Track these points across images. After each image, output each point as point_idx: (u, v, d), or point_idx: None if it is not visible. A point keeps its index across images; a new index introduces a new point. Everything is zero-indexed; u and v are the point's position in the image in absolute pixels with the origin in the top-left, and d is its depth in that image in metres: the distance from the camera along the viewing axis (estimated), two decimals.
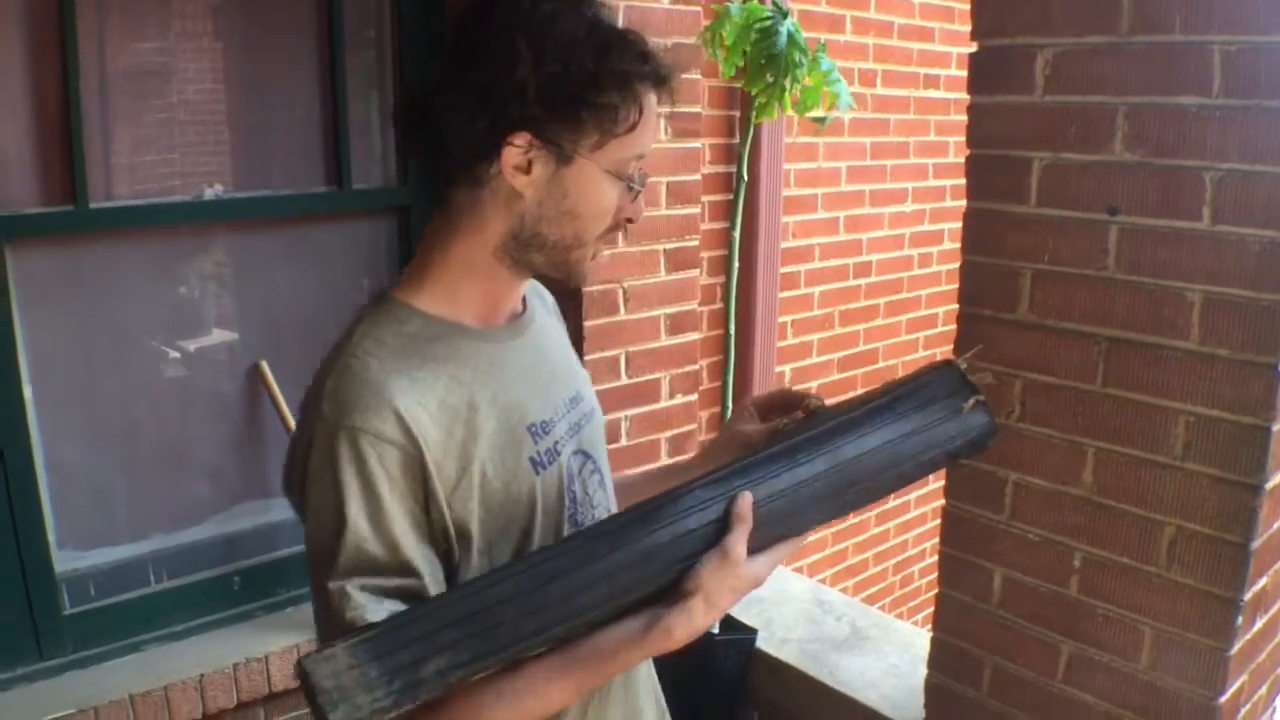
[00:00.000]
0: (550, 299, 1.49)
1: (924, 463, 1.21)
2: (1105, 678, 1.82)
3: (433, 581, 1.12)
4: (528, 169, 1.16)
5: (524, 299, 1.34)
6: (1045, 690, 1.90)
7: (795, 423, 1.28)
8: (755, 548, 1.10)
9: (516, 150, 1.15)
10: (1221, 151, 1.59)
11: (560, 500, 1.26)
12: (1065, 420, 1.80)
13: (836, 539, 4.23)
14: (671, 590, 1.09)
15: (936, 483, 4.54)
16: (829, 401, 1.30)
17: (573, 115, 1.15)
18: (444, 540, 1.15)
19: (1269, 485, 1.60)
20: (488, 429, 1.18)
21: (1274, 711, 1.93)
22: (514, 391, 1.24)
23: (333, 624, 1.08)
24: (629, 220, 1.24)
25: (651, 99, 1.20)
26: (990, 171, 1.87)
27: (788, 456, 1.15)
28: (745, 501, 1.10)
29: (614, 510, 1.39)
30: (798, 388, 1.23)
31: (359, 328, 1.19)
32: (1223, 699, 1.68)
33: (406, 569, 1.10)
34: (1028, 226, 1.81)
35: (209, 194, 2.49)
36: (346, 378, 1.13)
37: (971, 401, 1.21)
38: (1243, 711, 1.77)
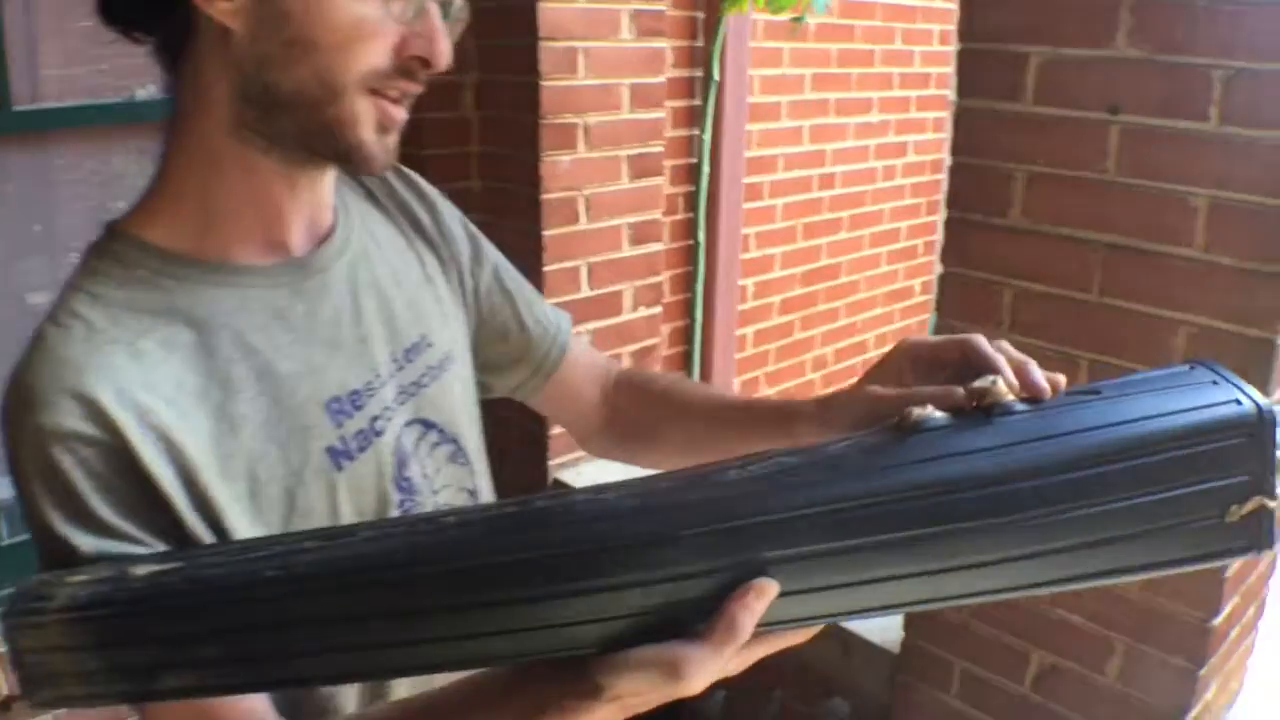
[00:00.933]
0: (416, 197, 1.12)
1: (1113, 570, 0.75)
2: (1096, 603, 1.76)
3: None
4: None
5: (336, 212, 0.99)
6: (1030, 611, 1.85)
7: (950, 407, 0.76)
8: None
9: None
10: (1231, 48, 1.49)
11: (383, 498, 0.96)
12: (1058, 331, 1.72)
13: None
14: (571, 666, 0.71)
15: None
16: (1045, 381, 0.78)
17: None
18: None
19: (1274, 399, 1.53)
20: (254, 417, 0.87)
21: (1257, 633, 1.89)
22: (301, 355, 0.91)
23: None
24: (423, 63, 0.87)
25: None
26: (983, 67, 1.76)
27: (916, 501, 0.70)
28: (752, 607, 0.68)
29: (481, 493, 1.10)
30: (985, 348, 0.83)
31: (74, 278, 0.86)
32: (1216, 620, 1.63)
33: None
34: (1022, 126, 1.70)
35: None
36: (39, 355, 0.80)
37: (1250, 506, 0.72)
38: (1233, 633, 1.72)
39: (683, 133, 3.22)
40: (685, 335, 3.15)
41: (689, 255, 3.12)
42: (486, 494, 1.13)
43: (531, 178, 2.58)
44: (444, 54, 0.87)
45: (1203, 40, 1.52)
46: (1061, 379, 0.78)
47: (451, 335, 1.09)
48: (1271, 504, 0.72)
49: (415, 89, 0.89)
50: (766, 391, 3.93)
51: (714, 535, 0.68)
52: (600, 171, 2.68)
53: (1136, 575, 0.74)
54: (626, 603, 0.68)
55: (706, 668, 0.68)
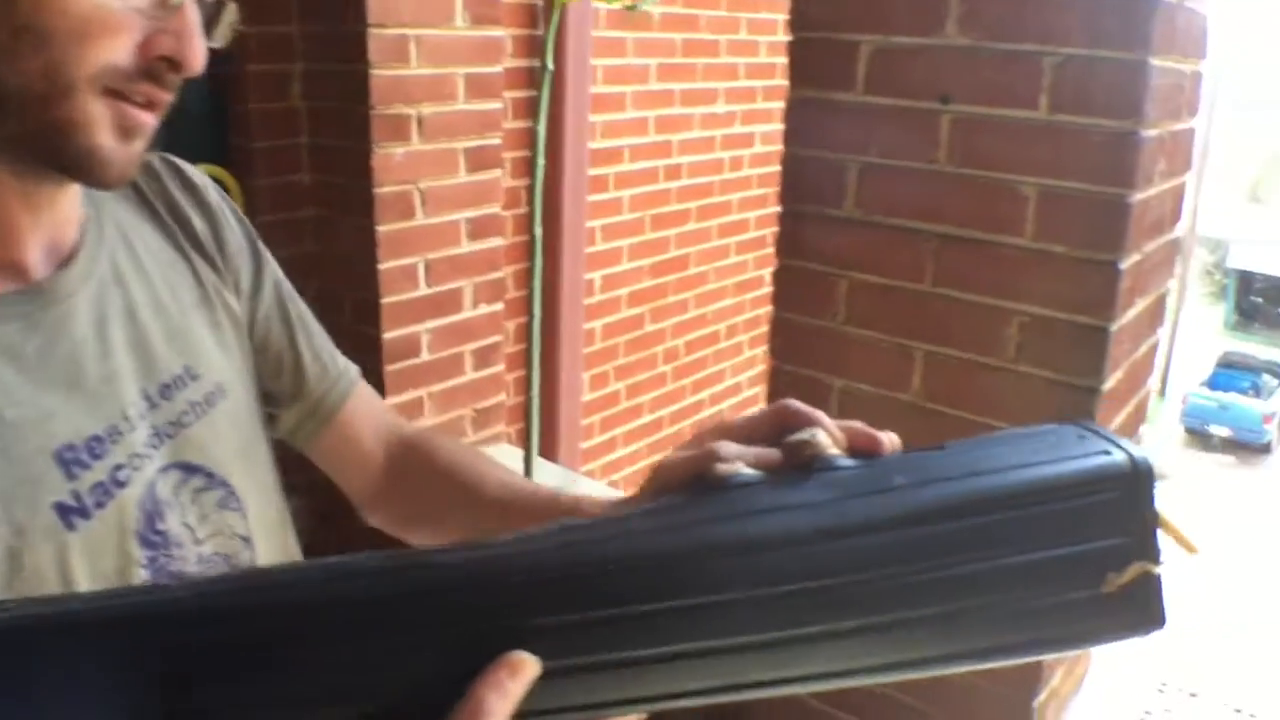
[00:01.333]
0: (195, 204, 0.99)
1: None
2: (916, 681, 1.75)
3: None
4: None
5: (85, 227, 0.88)
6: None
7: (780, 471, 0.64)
8: None
9: None
10: (1063, 35, 1.48)
11: (125, 556, 0.83)
12: (893, 322, 1.69)
13: (651, 451, 4.14)
14: None
15: (751, 389, 4.54)
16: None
17: None
18: None
19: (1106, 387, 1.53)
20: None
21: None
22: (31, 399, 0.79)
23: None
24: (171, 65, 0.77)
25: None
26: (814, 56, 1.72)
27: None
28: (504, 687, 0.53)
29: (257, 539, 0.97)
30: (803, 409, 0.68)
31: None
32: (1038, 699, 1.63)
33: None
34: (854, 116, 1.67)
35: None
36: None
37: (1131, 573, 0.59)
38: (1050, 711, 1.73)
39: (524, 124, 3.14)
40: (527, 331, 3.07)
41: (532, 250, 3.05)
42: (269, 538, 1.00)
43: (363, 171, 2.48)
44: (196, 56, 0.78)
45: (1032, 27, 1.51)
46: (896, 438, 0.66)
47: (228, 364, 0.97)
48: (1156, 569, 0.59)
49: (163, 96, 0.78)
50: (617, 386, 3.88)
51: (458, 602, 0.55)
52: (436, 164, 2.60)
53: (989, 660, 0.61)
54: (328, 683, 0.54)
55: None
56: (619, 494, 0.84)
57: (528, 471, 2.36)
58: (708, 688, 0.58)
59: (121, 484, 0.83)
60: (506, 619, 0.55)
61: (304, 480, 1.18)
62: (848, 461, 0.62)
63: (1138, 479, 0.60)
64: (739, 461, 0.63)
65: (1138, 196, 1.48)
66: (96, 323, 0.85)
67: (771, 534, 0.57)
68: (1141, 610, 0.60)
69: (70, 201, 0.85)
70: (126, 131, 0.77)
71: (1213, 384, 20.62)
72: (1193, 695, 2.00)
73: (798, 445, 0.63)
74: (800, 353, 1.80)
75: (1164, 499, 0.60)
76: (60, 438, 0.80)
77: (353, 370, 1.12)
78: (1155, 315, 1.76)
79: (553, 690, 0.55)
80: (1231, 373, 20.87)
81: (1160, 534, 0.60)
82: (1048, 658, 0.54)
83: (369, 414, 1.12)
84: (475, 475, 1.06)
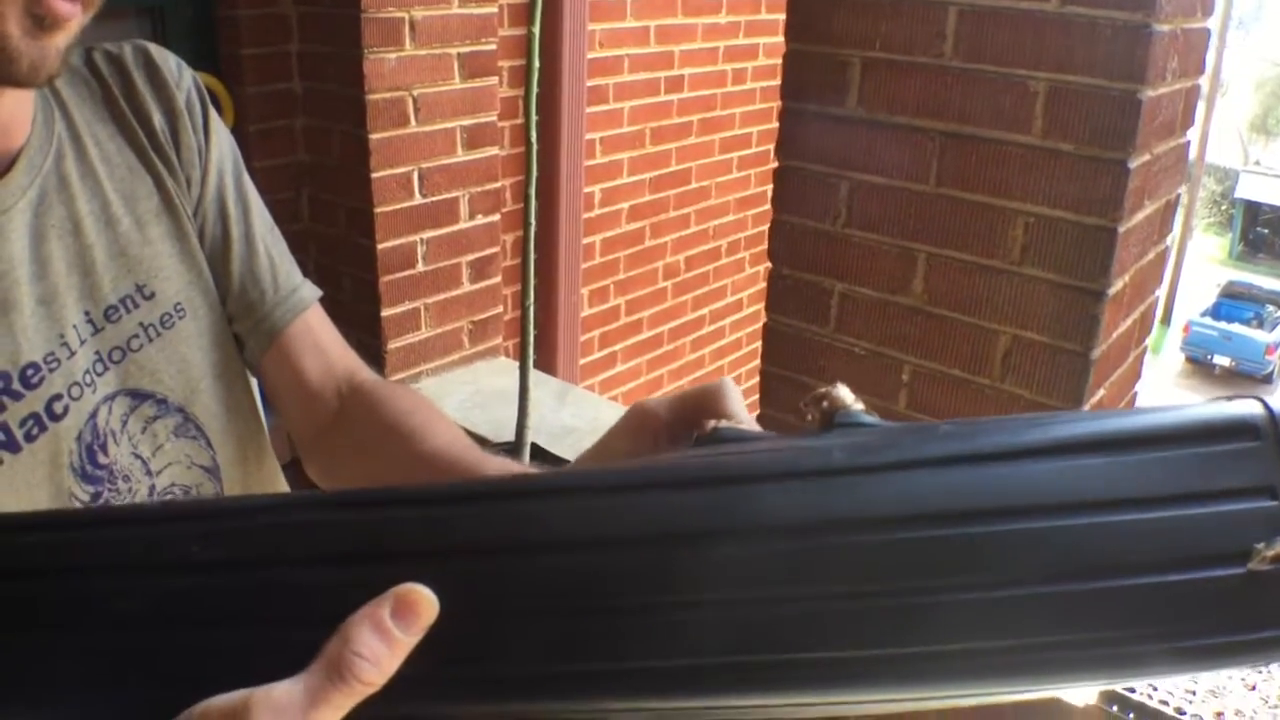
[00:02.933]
0: (154, 94, 0.91)
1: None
2: None
3: None
4: None
5: (31, 132, 0.81)
6: None
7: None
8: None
9: None
10: None
11: (60, 491, 0.79)
12: (895, 224, 1.65)
13: (650, 367, 4.11)
14: None
15: (753, 306, 4.50)
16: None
17: None
18: None
19: (1112, 291, 1.49)
20: None
21: None
22: None
23: None
24: None
25: None
26: None
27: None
28: (383, 625, 0.39)
29: (226, 467, 0.92)
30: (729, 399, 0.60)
31: None
32: None
33: None
34: (857, 8, 1.62)
35: None
36: None
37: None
38: None
39: (520, 32, 3.07)
40: (523, 247, 3.03)
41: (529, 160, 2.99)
42: (243, 467, 0.95)
43: (355, 77, 2.42)
44: None
45: None
46: None
47: (193, 280, 0.90)
48: None
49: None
50: (616, 302, 3.85)
51: (349, 521, 0.45)
52: (430, 70, 2.54)
53: (1107, 676, 0.45)
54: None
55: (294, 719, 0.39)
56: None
57: (524, 386, 2.33)
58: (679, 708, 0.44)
59: (57, 416, 0.79)
60: (402, 544, 0.44)
61: None
62: (875, 420, 0.51)
63: (1276, 423, 0.45)
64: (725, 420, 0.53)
65: (1149, 94, 1.44)
66: (33, 239, 0.79)
67: (760, 467, 0.46)
68: None
69: (14, 107, 0.79)
70: (40, 21, 0.69)
71: (1216, 314, 20.52)
72: None
73: (813, 400, 0.52)
74: (800, 256, 1.76)
75: None
76: None
77: (304, 295, 1.00)
78: (1164, 221, 1.72)
79: (480, 647, 0.43)
80: (1235, 303, 20.77)
81: None
82: (1182, 675, 0.42)
83: (316, 347, 1.00)
84: (419, 429, 0.91)
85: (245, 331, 0.97)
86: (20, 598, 0.44)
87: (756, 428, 0.55)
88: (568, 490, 0.45)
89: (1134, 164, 1.45)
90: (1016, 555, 0.42)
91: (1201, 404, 0.47)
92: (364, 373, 1.02)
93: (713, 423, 0.53)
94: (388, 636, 0.39)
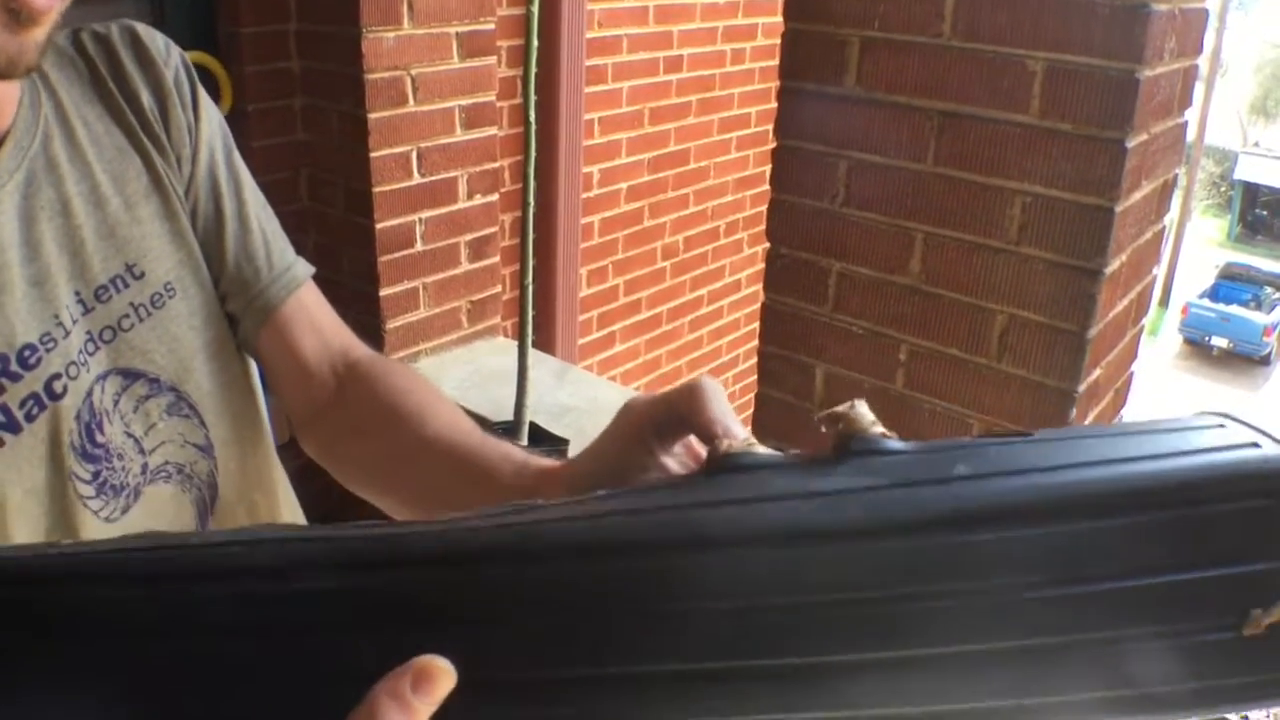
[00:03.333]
0: (142, 73, 0.91)
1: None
2: None
3: None
4: None
5: (18, 114, 0.81)
6: None
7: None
8: None
9: None
10: None
11: (60, 470, 0.79)
12: (893, 204, 1.66)
13: (649, 347, 4.11)
14: None
15: (751, 287, 4.50)
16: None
17: None
18: None
19: (1109, 270, 1.49)
20: None
21: None
22: None
23: None
24: None
25: None
26: None
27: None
28: (403, 697, 0.41)
29: (219, 446, 0.92)
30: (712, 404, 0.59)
31: None
32: None
33: None
34: None
35: None
36: None
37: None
38: None
39: (518, 11, 3.06)
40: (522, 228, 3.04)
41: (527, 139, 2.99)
42: (238, 447, 0.95)
43: (354, 56, 2.42)
44: None
45: None
46: None
47: (183, 259, 0.90)
48: None
49: None
50: (615, 282, 3.85)
51: (371, 587, 0.45)
52: (428, 50, 2.54)
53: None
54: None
55: None
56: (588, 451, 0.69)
57: (523, 365, 2.34)
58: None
59: (57, 395, 0.79)
60: (422, 611, 0.45)
61: None
62: (898, 444, 0.48)
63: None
64: (746, 435, 0.51)
65: (1147, 73, 1.44)
66: (23, 220, 0.79)
67: (774, 527, 0.44)
68: None
69: None
70: (16, 15, 0.68)
71: (1214, 295, 20.55)
72: None
73: (830, 419, 0.50)
74: (798, 235, 1.77)
75: None
76: None
77: (298, 273, 1.00)
78: (1161, 201, 1.72)
79: (484, 713, 0.44)
80: (1233, 284, 20.80)
81: None
82: None
83: (311, 324, 1.00)
84: (419, 410, 0.91)
85: (240, 310, 0.96)
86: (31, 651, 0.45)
87: (743, 431, 0.53)
88: (567, 550, 0.45)
89: (1131, 143, 1.45)
90: (1017, 617, 0.43)
91: (1224, 437, 0.46)
92: (360, 349, 1.02)
93: (725, 445, 0.49)
94: (408, 708, 0.41)
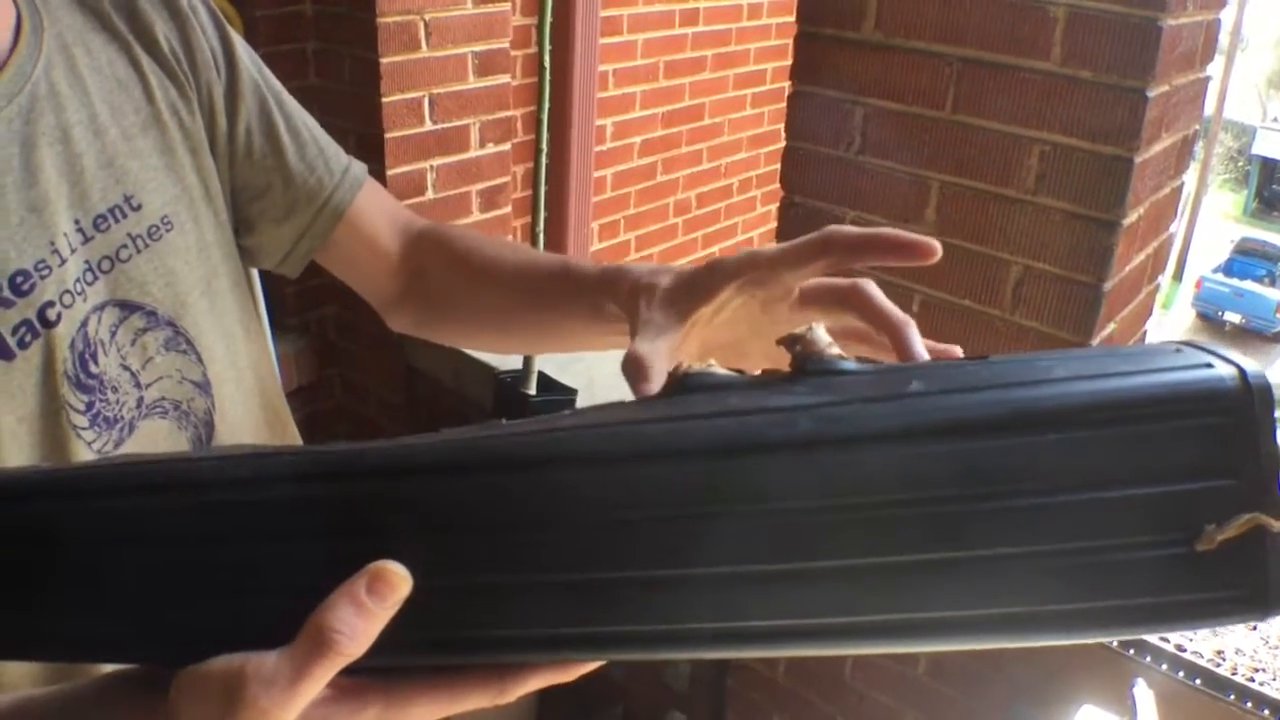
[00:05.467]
0: (160, 6, 0.90)
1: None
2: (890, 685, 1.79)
3: None
4: None
5: (19, 36, 0.80)
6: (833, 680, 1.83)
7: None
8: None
9: None
10: None
11: (53, 399, 0.79)
12: (909, 152, 1.64)
13: None
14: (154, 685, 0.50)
15: (764, 246, 4.48)
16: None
17: None
18: None
19: (1126, 222, 1.47)
20: None
21: None
22: None
23: None
24: None
25: None
26: None
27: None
28: (360, 601, 0.45)
29: (218, 384, 0.92)
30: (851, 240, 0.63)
31: None
32: None
33: None
34: None
35: None
36: None
37: (1237, 527, 0.44)
38: None
39: None
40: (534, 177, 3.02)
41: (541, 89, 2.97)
42: (237, 385, 0.96)
43: (366, 0, 2.39)
44: None
45: None
46: (957, 350, 0.58)
47: (180, 194, 0.89)
48: (1276, 525, 0.44)
49: None
50: (627, 237, 3.83)
51: (335, 496, 0.47)
52: None
53: (1028, 635, 0.46)
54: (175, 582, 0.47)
55: (286, 692, 0.45)
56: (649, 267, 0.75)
57: None
58: (635, 634, 0.46)
59: (50, 323, 0.78)
60: (379, 520, 0.46)
61: (298, 321, 1.13)
62: (853, 365, 0.50)
63: (1252, 402, 0.45)
64: (713, 362, 0.52)
65: (1169, 22, 1.41)
66: (22, 146, 0.78)
67: (724, 439, 0.46)
68: (1252, 579, 0.44)
69: None
70: None
71: (1228, 270, 20.45)
72: None
73: (788, 341, 0.52)
74: (812, 183, 1.75)
75: None
76: None
77: (357, 167, 1.04)
78: (1181, 156, 1.70)
79: (440, 616, 0.46)
80: (1248, 260, 20.69)
81: None
82: (1114, 639, 0.41)
83: (382, 210, 1.05)
84: (491, 254, 0.99)
85: (310, 217, 1.00)
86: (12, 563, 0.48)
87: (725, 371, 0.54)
88: (538, 462, 0.47)
89: (1153, 93, 1.43)
90: (971, 528, 0.44)
91: (1179, 359, 0.47)
92: (419, 220, 1.08)
93: (684, 366, 0.51)
94: (364, 611, 0.44)
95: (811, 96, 1.71)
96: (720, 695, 2.25)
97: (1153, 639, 1.63)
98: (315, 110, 2.53)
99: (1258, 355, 18.94)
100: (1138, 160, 1.45)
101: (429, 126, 2.58)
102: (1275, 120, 28.50)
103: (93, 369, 0.81)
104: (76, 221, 0.81)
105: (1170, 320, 19.33)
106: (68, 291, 0.79)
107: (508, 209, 2.85)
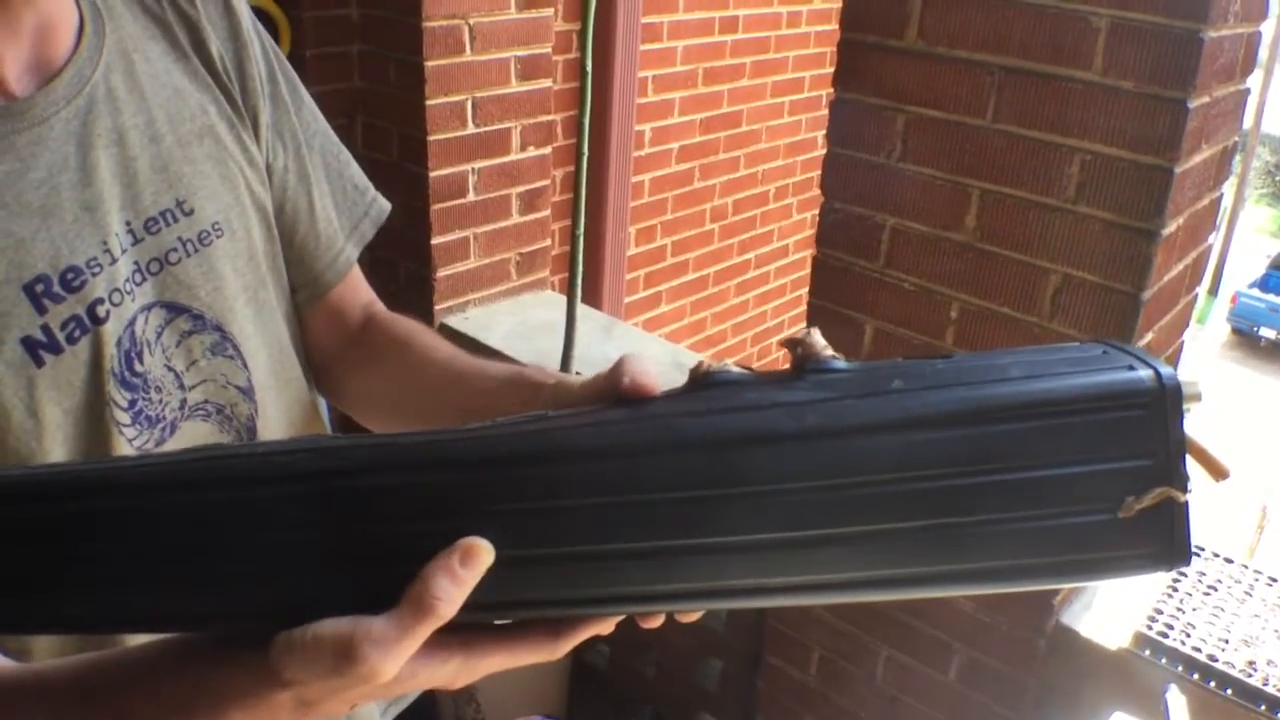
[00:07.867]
0: (221, 22, 0.94)
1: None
2: (936, 613, 1.80)
3: None
4: None
5: (83, 37, 0.82)
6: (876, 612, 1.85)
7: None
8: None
9: None
10: None
11: (98, 395, 0.81)
12: (950, 159, 1.65)
13: (695, 309, 4.12)
14: (256, 650, 0.55)
15: (799, 253, 4.50)
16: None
17: None
18: None
19: (1166, 232, 1.49)
20: None
21: None
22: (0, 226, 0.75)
23: None
24: None
25: None
26: None
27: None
28: (455, 573, 0.53)
29: (260, 390, 0.95)
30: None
31: None
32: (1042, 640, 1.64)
33: None
34: None
35: None
36: None
37: (1152, 498, 0.57)
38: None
39: None
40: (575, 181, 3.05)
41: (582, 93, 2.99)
42: (280, 392, 0.98)
43: (412, 4, 2.43)
44: None
45: None
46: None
47: (231, 201, 0.91)
48: (1182, 497, 0.56)
49: None
50: (663, 242, 3.85)
51: (422, 484, 0.55)
52: None
53: (988, 585, 0.58)
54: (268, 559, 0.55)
55: (391, 651, 0.53)
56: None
57: (571, 313, 2.35)
58: (681, 591, 0.57)
59: (100, 320, 0.80)
60: (463, 503, 0.55)
61: None
62: (844, 364, 0.60)
63: (1164, 397, 0.57)
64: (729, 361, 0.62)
65: (1211, 34, 1.42)
66: (79, 146, 0.80)
67: (747, 430, 0.56)
68: (1163, 540, 0.57)
69: (55, 10, 0.80)
70: None
71: (1265, 286, 20.23)
72: (1228, 561, 1.99)
73: (789, 343, 0.61)
74: (852, 189, 1.77)
75: (1195, 422, 0.58)
76: (31, 268, 0.76)
77: (350, 249, 1.08)
78: (1220, 168, 1.71)
79: (514, 582, 0.55)
80: None
81: (1190, 461, 0.58)
82: (1054, 586, 0.52)
83: (358, 288, 1.10)
84: (425, 346, 1.01)
85: (309, 275, 1.04)
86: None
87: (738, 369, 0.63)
88: (600, 453, 0.56)
89: (1194, 104, 1.44)
90: (948, 501, 0.56)
91: (1106, 360, 0.60)
92: (377, 304, 1.12)
93: (705, 365, 0.61)
94: (457, 579, 0.53)
95: (853, 103, 1.73)
96: (751, 697, 2.26)
97: (1184, 649, 1.64)
98: (359, 113, 2.59)
99: None
100: (1178, 171, 1.46)
101: (471, 129, 2.61)
102: None
103: (137, 368, 0.83)
104: (128, 223, 0.83)
105: (1205, 336, 19.14)
106: (117, 290, 0.81)
107: (546, 212, 2.87)
